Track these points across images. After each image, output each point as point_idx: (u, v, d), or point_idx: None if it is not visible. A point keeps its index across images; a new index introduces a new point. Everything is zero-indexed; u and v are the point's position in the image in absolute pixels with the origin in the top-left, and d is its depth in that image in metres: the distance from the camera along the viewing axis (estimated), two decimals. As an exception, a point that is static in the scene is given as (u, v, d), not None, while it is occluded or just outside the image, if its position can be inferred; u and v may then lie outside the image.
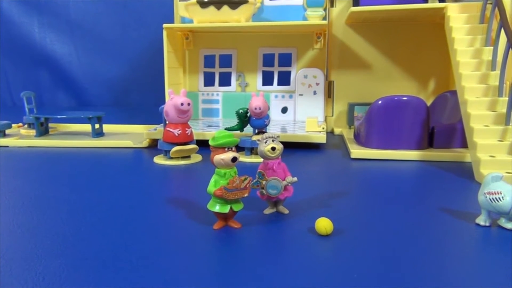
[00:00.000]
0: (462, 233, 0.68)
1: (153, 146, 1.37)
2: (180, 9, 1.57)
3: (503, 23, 1.05)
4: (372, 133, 1.25)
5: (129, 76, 2.62)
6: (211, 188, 0.67)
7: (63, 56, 2.65)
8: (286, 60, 1.71)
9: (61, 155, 1.29)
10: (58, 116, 1.50)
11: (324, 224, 0.66)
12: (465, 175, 1.03)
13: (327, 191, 0.91)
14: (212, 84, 1.75)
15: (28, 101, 1.61)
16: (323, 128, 1.38)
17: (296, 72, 1.67)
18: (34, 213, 0.77)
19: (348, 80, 1.70)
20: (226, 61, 1.75)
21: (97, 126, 1.49)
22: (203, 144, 1.19)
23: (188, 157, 1.20)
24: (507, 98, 1.04)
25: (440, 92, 1.48)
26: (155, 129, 1.41)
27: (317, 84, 1.64)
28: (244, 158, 1.19)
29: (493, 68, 1.11)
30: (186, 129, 1.16)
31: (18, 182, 0.98)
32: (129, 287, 0.51)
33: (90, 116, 1.47)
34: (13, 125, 1.61)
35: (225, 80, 1.75)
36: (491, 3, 1.14)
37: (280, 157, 0.74)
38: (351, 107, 1.63)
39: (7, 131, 1.55)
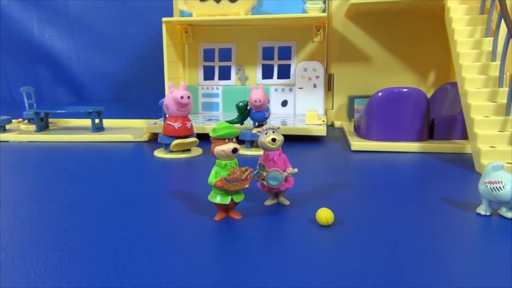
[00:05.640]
0: (463, 223, 0.68)
1: (153, 140, 1.37)
2: (179, 3, 1.57)
3: (503, 13, 1.04)
4: (373, 125, 1.24)
5: (128, 71, 2.62)
6: (212, 179, 0.67)
7: (62, 52, 2.64)
8: (285, 53, 1.71)
9: (62, 150, 1.29)
10: (58, 111, 1.49)
11: (325, 215, 0.66)
12: (465, 166, 1.03)
13: (327, 183, 0.91)
14: (212, 78, 1.75)
15: (28, 96, 1.61)
16: (323, 121, 1.38)
17: (296, 65, 1.67)
18: (35, 207, 0.77)
19: (348, 73, 1.70)
20: (225, 54, 1.75)
21: (97, 120, 1.49)
22: (203, 138, 1.19)
23: (188, 150, 1.20)
24: (507, 89, 1.04)
25: (440, 84, 1.48)
26: (155, 123, 1.41)
27: (317, 77, 1.64)
28: (244, 151, 1.19)
29: (493, 59, 1.10)
30: (186, 122, 1.16)
31: (18, 177, 0.98)
32: (130, 278, 0.51)
33: (90, 110, 1.47)
34: (13, 120, 1.61)
35: (224, 74, 1.75)
36: (491, -6, 1.14)
37: (280, 148, 0.74)
38: (351, 100, 1.62)
39: (7, 126, 1.55)
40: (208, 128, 1.33)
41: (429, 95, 1.33)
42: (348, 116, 1.67)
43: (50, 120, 1.62)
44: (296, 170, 0.74)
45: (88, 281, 0.50)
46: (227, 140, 0.67)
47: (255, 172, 0.71)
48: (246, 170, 0.68)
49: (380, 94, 1.23)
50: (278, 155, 0.74)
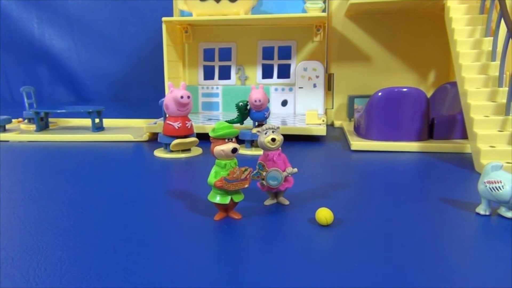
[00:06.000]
0: (462, 223, 0.68)
1: (153, 139, 1.37)
2: (179, 3, 1.57)
3: (503, 13, 1.04)
4: (372, 125, 1.25)
5: (128, 71, 2.62)
6: (212, 179, 0.67)
7: (62, 51, 2.64)
8: (285, 53, 1.71)
9: (62, 149, 1.29)
10: (58, 111, 1.49)
11: (324, 214, 0.66)
12: (465, 166, 1.03)
13: (327, 182, 0.91)
14: (212, 78, 1.75)
15: (28, 96, 1.61)
16: (323, 121, 1.38)
17: (296, 65, 1.67)
18: (35, 207, 0.77)
19: (348, 72, 1.70)
20: (225, 54, 1.75)
21: (97, 120, 1.49)
22: (203, 138, 1.19)
23: (188, 150, 1.20)
24: (507, 89, 1.04)
25: (440, 84, 1.48)
26: (155, 123, 1.41)
27: (317, 76, 1.64)
28: (244, 151, 1.19)
29: (493, 58, 1.10)
30: (186, 122, 1.16)
31: (18, 177, 0.98)
32: (130, 278, 0.51)
33: (90, 110, 1.47)
34: (13, 120, 1.61)
35: (224, 74, 1.75)
36: (491, -7, 1.14)
37: (280, 148, 0.75)
38: (351, 99, 1.62)
39: (7, 126, 1.55)
40: (208, 127, 1.33)
41: (429, 94, 1.33)
42: (348, 116, 1.67)
43: (50, 119, 1.62)
44: (295, 170, 0.74)
45: (88, 281, 0.50)
46: (226, 140, 0.67)
47: (254, 172, 0.72)
48: (246, 170, 0.68)
49: (380, 93, 1.23)
50: (278, 155, 0.74)
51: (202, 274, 0.52)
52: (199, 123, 1.41)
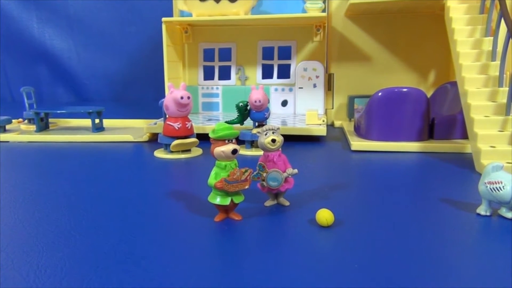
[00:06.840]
0: (463, 223, 0.68)
1: (154, 140, 1.37)
2: (178, 3, 1.57)
3: (503, 13, 1.04)
4: (373, 125, 1.24)
5: (128, 71, 2.62)
6: (212, 180, 0.67)
7: (62, 52, 2.64)
8: (285, 53, 1.71)
9: (62, 150, 1.29)
10: (58, 111, 1.49)
11: (325, 215, 0.66)
12: (465, 166, 1.03)
13: (327, 183, 0.91)
14: (212, 78, 1.75)
15: (28, 96, 1.61)
16: (323, 121, 1.38)
17: (296, 65, 1.67)
18: (35, 208, 0.77)
19: (348, 72, 1.70)
20: (225, 54, 1.75)
21: (97, 120, 1.49)
22: (203, 138, 1.19)
23: (188, 150, 1.20)
24: (507, 89, 1.04)
25: (440, 84, 1.48)
26: (155, 123, 1.41)
27: (317, 77, 1.64)
28: (244, 151, 1.19)
29: (493, 58, 1.10)
30: (186, 122, 1.16)
31: (18, 177, 0.98)
32: (130, 279, 0.51)
33: (90, 111, 1.47)
34: (13, 120, 1.61)
35: (224, 74, 1.75)
36: (491, -7, 1.14)
37: (280, 149, 0.74)
38: (351, 99, 1.62)
39: (7, 127, 1.55)
40: (208, 128, 1.33)
41: (429, 94, 1.33)
42: (348, 116, 1.67)
43: (50, 120, 1.62)
44: (296, 171, 0.74)
45: (88, 282, 0.50)
46: (226, 141, 0.67)
47: (255, 173, 0.71)
48: (246, 171, 0.68)
49: (380, 94, 1.23)
50: (278, 155, 0.74)
51: (202, 275, 0.52)
52: (199, 124, 1.41)
